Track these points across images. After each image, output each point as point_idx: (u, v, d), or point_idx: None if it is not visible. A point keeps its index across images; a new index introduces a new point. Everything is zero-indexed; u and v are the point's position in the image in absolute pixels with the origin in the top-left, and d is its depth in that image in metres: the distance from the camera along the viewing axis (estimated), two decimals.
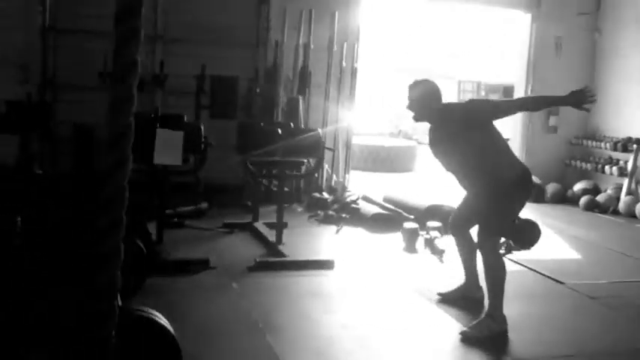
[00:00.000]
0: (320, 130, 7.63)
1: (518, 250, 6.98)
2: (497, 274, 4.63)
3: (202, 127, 6.20)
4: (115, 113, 2.18)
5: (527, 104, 5.45)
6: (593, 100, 4.64)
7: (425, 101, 4.83)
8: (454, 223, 5.16)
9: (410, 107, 4.88)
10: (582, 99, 4.53)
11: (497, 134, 4.77)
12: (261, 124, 7.37)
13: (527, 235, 5.68)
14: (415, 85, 4.89)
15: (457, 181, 4.95)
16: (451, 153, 4.77)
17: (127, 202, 2.29)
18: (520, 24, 11.22)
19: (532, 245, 5.85)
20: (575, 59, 11.14)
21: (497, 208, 4.63)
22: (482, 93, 25.81)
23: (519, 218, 5.58)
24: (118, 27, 2.17)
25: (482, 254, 4.72)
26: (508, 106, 4.95)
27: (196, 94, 7.44)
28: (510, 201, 4.68)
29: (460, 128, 4.62)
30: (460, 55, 36.65)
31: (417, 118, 4.88)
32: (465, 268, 5.24)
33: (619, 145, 10.32)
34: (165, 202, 6.27)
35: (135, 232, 5.40)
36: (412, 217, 7.87)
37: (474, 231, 4.89)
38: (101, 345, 2.36)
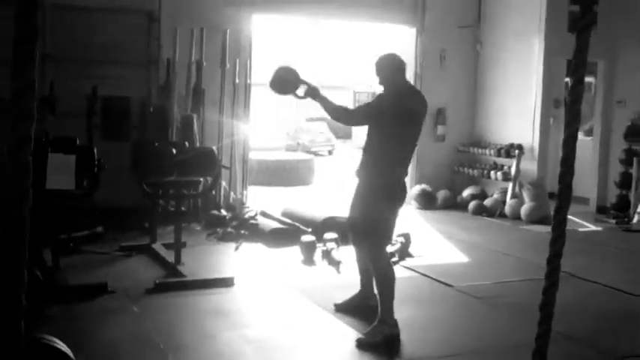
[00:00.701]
0: (215, 148, 7.72)
1: (411, 256, 7.31)
2: (386, 280, 4.89)
3: (95, 150, 6.16)
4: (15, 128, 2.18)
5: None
6: None
7: (387, 70, 5.11)
8: (352, 235, 5.36)
9: (376, 73, 5.16)
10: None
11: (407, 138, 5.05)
12: (156, 143, 7.38)
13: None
14: (384, 56, 5.18)
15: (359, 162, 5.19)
16: (374, 125, 5.04)
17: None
18: (406, 37, 11.65)
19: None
20: (459, 70, 11.68)
21: (382, 214, 4.90)
22: None
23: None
24: (17, 50, 2.18)
25: (370, 262, 4.99)
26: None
27: (87, 115, 7.35)
28: (393, 207, 4.96)
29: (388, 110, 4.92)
30: (353, 68, 37.43)
31: (380, 82, 5.16)
32: (361, 274, 5.44)
33: (502, 151, 10.89)
34: (59, 227, 6.18)
35: (30, 259, 5.33)
36: (310, 230, 8.05)
37: None
38: None
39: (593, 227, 9.78)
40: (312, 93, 5.16)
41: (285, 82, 5.24)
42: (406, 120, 4.95)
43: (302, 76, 5.21)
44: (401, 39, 11.86)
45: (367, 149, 5.11)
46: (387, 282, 4.89)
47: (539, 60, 10.60)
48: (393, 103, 4.96)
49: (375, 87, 28.40)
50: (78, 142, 6.05)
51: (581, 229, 9.55)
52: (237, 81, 9.70)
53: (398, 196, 5.02)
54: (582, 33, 1.83)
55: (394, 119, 4.88)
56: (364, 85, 31.52)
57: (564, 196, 1.89)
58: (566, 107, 1.93)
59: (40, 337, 3.00)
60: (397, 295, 4.90)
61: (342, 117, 5.26)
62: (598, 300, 6.12)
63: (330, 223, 8.09)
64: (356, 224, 5.16)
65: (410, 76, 11.42)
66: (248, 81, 9.96)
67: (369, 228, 4.95)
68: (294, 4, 10.51)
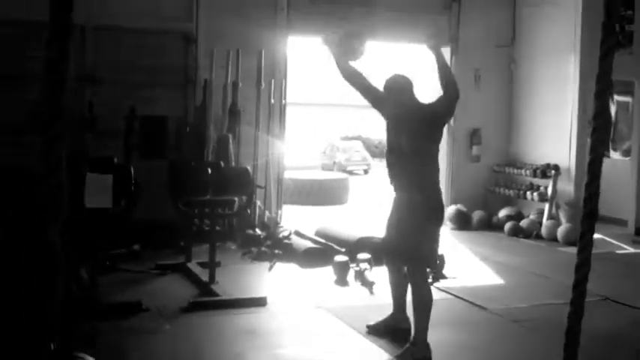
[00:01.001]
0: (250, 167, 7.81)
1: (445, 278, 7.27)
2: (425, 302, 4.88)
3: (132, 169, 6.27)
4: (46, 154, 2.24)
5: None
6: None
7: (399, 91, 5.13)
8: (389, 259, 5.35)
9: (385, 91, 5.18)
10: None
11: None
12: (192, 163, 7.49)
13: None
14: (394, 77, 5.22)
15: (390, 178, 5.16)
16: (400, 149, 5.01)
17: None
18: None
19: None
20: (494, 90, 11.63)
21: (426, 236, 4.88)
22: None
23: None
24: (47, 72, 2.24)
25: (412, 283, 4.95)
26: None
27: (125, 135, 7.50)
28: (436, 228, 4.95)
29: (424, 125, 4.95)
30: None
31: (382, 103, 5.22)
32: (395, 298, 5.42)
33: (538, 171, 10.78)
34: (97, 245, 6.29)
35: (67, 276, 5.44)
36: (343, 250, 8.05)
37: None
38: None
39: (631, 250, 9.61)
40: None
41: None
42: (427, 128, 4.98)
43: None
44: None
45: (406, 158, 4.99)
46: (426, 306, 4.88)
47: (574, 79, 10.51)
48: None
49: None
50: (115, 161, 6.19)
51: (619, 252, 9.40)
52: (272, 101, 9.79)
53: (440, 215, 5.00)
54: (605, 57, 1.83)
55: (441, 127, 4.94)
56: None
57: (589, 220, 1.89)
58: (591, 131, 1.93)
59: (73, 354, 3.06)
60: (431, 317, 4.88)
61: (451, 76, 5.23)
62: (638, 326, 5.99)
63: (363, 244, 8.08)
64: (396, 247, 5.11)
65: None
66: (283, 101, 10.06)
67: (412, 251, 4.91)
68: (329, 26, 10.57)
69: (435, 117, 5.02)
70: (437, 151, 5.09)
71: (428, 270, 6.76)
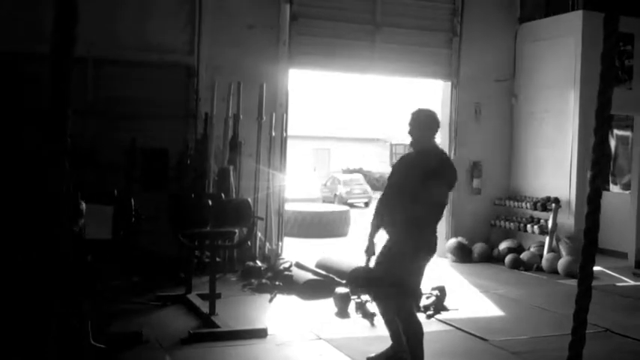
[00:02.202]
0: (251, 199, 7.83)
1: (446, 310, 7.25)
2: (414, 333, 4.90)
3: (133, 201, 6.30)
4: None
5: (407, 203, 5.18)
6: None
7: (423, 126, 5.16)
8: (377, 290, 5.33)
9: (410, 125, 5.19)
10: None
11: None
12: (192, 195, 7.52)
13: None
14: (422, 110, 5.24)
15: (385, 215, 5.19)
16: (404, 187, 5.04)
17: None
18: (442, 90, 11.77)
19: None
20: (495, 123, 11.71)
21: (412, 270, 4.90)
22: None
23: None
24: (51, 110, 2.27)
25: (399, 317, 4.96)
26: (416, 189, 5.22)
27: (126, 167, 7.55)
28: (422, 264, 4.97)
29: (436, 175, 4.95)
30: (390, 120, 37.72)
31: (411, 133, 5.18)
32: (390, 330, 5.40)
33: (539, 204, 10.81)
34: (96, 276, 6.28)
35: (66, 308, 5.43)
36: (344, 282, 8.04)
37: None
38: None
39: (631, 282, 9.59)
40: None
41: None
42: (430, 180, 4.98)
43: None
44: (437, 92, 11.98)
45: (394, 206, 5.11)
46: (416, 338, 4.90)
47: (574, 112, 10.58)
48: (415, 164, 5.06)
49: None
50: (116, 193, 6.21)
51: (619, 284, 9.37)
52: (273, 133, 9.84)
53: (424, 255, 5.02)
54: (604, 91, 1.87)
55: (420, 179, 4.93)
56: (401, 137, 31.66)
57: (589, 252, 1.91)
58: (591, 164, 1.96)
59: None
60: (431, 349, 4.88)
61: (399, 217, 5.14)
62: (638, 359, 5.97)
63: (357, 274, 8.05)
64: (382, 281, 5.12)
65: (445, 128, 11.54)
66: (284, 133, 10.11)
67: (401, 287, 4.94)
68: (330, 59, 10.71)
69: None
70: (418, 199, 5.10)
71: (425, 301, 6.83)
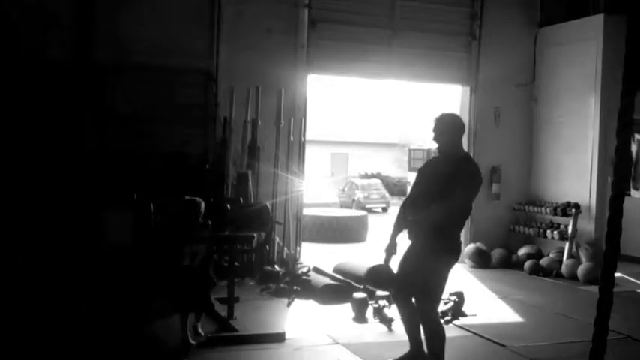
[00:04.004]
0: (269, 204, 7.84)
1: (464, 315, 7.22)
2: (437, 337, 4.88)
3: (152, 206, 6.33)
4: None
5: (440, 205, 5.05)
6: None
7: (448, 131, 5.15)
8: (398, 291, 5.32)
9: (434, 130, 5.18)
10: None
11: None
12: (211, 199, 7.53)
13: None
14: (446, 115, 5.26)
15: (410, 217, 5.18)
16: (432, 190, 5.02)
17: None
18: (461, 95, 11.73)
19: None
20: (514, 128, 11.65)
21: (436, 272, 4.88)
22: None
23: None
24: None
25: (422, 319, 4.95)
26: (452, 193, 5.15)
27: (146, 171, 7.58)
28: (446, 267, 4.94)
29: (457, 182, 4.92)
30: (409, 125, 37.66)
31: (435, 139, 5.19)
32: (409, 334, 5.37)
33: (559, 210, 10.73)
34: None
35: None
36: (362, 286, 8.02)
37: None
38: None
39: None
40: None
41: None
42: (456, 184, 4.96)
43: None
44: (456, 97, 11.94)
45: (418, 209, 5.10)
46: (439, 340, 4.87)
47: (595, 117, 10.51)
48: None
49: (428, 144, 28.52)
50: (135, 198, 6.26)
51: (639, 290, 9.28)
52: (291, 138, 9.85)
53: (448, 258, 5.01)
54: (626, 94, 1.85)
55: (446, 184, 4.92)
56: (419, 142, 31.59)
57: (611, 257, 1.89)
58: (613, 168, 1.94)
59: None
60: (450, 354, 4.85)
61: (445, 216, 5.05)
62: None
63: (375, 272, 8.08)
64: (410, 284, 5.10)
65: (464, 134, 11.47)
66: (302, 138, 10.12)
67: (424, 288, 4.93)
68: (348, 64, 10.71)
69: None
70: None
71: (442, 306, 6.80)
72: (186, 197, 6.22)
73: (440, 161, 5.25)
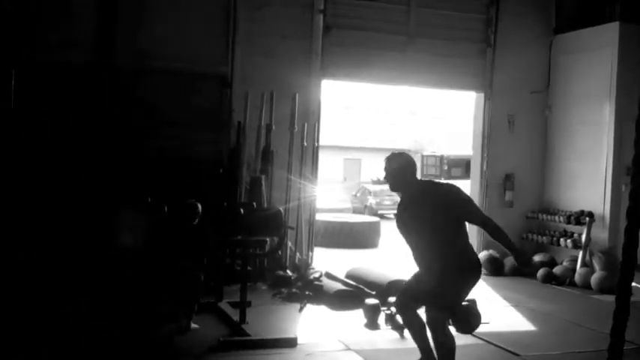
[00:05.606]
0: (282, 209, 7.84)
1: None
2: (446, 349, 4.84)
3: (166, 209, 6.35)
4: None
5: (488, 225, 5.15)
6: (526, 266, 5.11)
7: (401, 172, 5.05)
8: (402, 302, 5.25)
9: (387, 178, 5.12)
10: (522, 261, 4.95)
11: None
12: (225, 203, 7.55)
13: (468, 321, 5.85)
14: (393, 157, 5.14)
15: (414, 256, 5.12)
16: (422, 226, 4.95)
17: None
18: (475, 102, 11.72)
19: (471, 331, 6.04)
20: (528, 135, 11.62)
21: (450, 285, 4.84)
22: (445, 167, 26.31)
23: (467, 301, 5.80)
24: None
25: (431, 330, 4.91)
26: (477, 215, 5.17)
27: (159, 176, 7.60)
28: (464, 281, 4.90)
29: (441, 205, 4.88)
30: (422, 132, 37.61)
31: (393, 188, 5.13)
32: (419, 345, 5.32)
33: (572, 218, 10.68)
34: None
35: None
36: (374, 292, 8.00)
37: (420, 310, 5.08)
38: None
39: None
40: None
41: None
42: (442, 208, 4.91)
43: None
44: (469, 103, 11.93)
45: (425, 255, 5.02)
46: (449, 350, 4.85)
47: (610, 125, 10.48)
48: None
49: (441, 151, 28.44)
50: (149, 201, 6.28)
51: None
52: (305, 143, 9.86)
53: (470, 275, 4.96)
54: None
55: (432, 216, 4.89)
56: (432, 148, 31.53)
57: (628, 267, 1.88)
58: (631, 177, 1.93)
59: None
60: None
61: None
62: None
63: (395, 287, 8.02)
64: (428, 295, 5.00)
65: (478, 139, 11.50)
66: (316, 144, 10.13)
67: (441, 301, 4.90)
68: (363, 70, 10.72)
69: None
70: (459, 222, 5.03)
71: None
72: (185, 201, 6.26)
73: (411, 202, 5.07)
